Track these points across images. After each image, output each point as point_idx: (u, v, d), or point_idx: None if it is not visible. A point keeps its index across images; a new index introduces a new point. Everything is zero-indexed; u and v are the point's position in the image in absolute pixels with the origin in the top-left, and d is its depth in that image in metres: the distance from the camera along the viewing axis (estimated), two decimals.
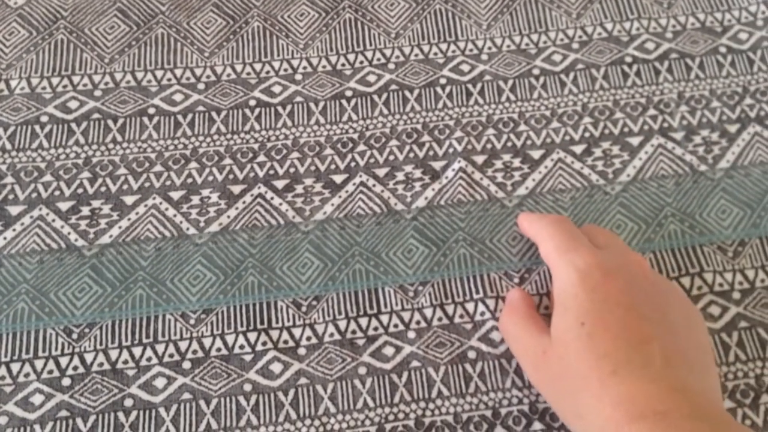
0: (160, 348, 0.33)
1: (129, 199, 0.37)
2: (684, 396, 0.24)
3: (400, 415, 0.32)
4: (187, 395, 0.32)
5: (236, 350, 0.33)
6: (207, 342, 0.33)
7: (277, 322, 0.34)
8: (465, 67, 0.40)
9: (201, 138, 0.38)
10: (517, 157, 0.38)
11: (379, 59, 0.41)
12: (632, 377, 0.25)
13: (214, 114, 0.39)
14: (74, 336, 0.33)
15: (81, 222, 0.36)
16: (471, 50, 0.41)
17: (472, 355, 0.33)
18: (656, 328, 0.26)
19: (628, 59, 0.41)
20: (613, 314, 0.26)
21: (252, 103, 0.39)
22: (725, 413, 0.26)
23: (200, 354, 0.33)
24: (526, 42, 0.41)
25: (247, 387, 0.33)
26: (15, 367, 0.33)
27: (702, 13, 0.42)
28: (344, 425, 0.32)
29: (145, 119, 0.39)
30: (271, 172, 0.37)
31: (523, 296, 0.32)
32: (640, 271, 0.29)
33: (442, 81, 0.40)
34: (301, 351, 0.33)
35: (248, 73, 0.40)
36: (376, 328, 0.34)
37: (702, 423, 0.24)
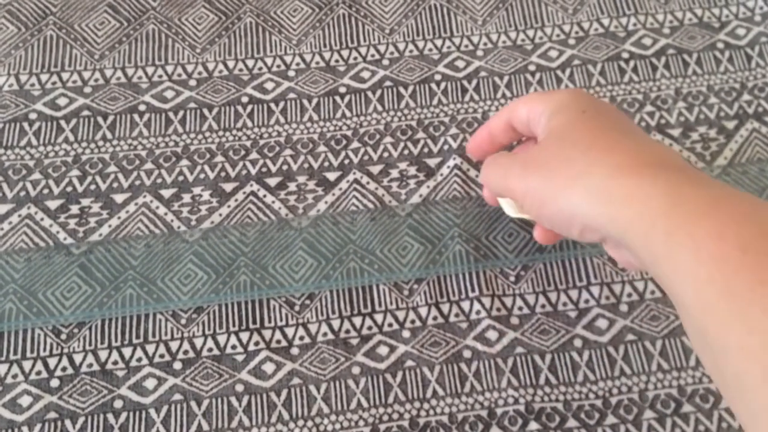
0: (150, 348, 0.33)
1: (119, 198, 0.36)
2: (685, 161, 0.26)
3: (395, 416, 0.31)
4: (177, 396, 0.32)
5: (228, 350, 0.33)
6: (198, 342, 0.33)
7: (269, 322, 0.33)
8: (460, 63, 0.40)
9: (192, 135, 0.38)
10: None
11: (373, 55, 0.40)
12: (647, 138, 0.26)
13: (205, 111, 0.38)
14: (63, 336, 0.33)
15: (70, 221, 0.35)
16: (466, 46, 0.41)
17: (467, 354, 0.33)
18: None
19: (625, 55, 0.40)
20: (608, 106, 0.28)
21: (244, 99, 0.39)
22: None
23: (191, 354, 0.33)
24: (522, 38, 0.41)
25: (239, 387, 0.32)
26: (2, 368, 0.32)
27: (699, 8, 0.42)
28: (338, 426, 0.31)
29: (136, 116, 0.38)
30: (264, 169, 0.37)
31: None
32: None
33: (437, 77, 0.40)
34: (294, 351, 0.33)
35: (240, 70, 0.40)
36: (370, 328, 0.33)
37: (711, 179, 0.24)
